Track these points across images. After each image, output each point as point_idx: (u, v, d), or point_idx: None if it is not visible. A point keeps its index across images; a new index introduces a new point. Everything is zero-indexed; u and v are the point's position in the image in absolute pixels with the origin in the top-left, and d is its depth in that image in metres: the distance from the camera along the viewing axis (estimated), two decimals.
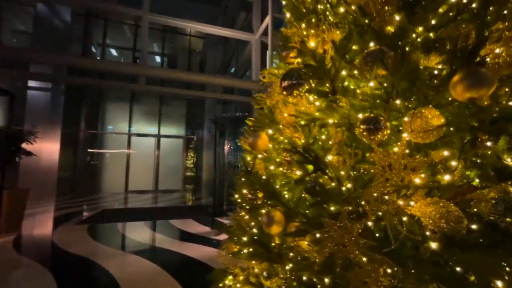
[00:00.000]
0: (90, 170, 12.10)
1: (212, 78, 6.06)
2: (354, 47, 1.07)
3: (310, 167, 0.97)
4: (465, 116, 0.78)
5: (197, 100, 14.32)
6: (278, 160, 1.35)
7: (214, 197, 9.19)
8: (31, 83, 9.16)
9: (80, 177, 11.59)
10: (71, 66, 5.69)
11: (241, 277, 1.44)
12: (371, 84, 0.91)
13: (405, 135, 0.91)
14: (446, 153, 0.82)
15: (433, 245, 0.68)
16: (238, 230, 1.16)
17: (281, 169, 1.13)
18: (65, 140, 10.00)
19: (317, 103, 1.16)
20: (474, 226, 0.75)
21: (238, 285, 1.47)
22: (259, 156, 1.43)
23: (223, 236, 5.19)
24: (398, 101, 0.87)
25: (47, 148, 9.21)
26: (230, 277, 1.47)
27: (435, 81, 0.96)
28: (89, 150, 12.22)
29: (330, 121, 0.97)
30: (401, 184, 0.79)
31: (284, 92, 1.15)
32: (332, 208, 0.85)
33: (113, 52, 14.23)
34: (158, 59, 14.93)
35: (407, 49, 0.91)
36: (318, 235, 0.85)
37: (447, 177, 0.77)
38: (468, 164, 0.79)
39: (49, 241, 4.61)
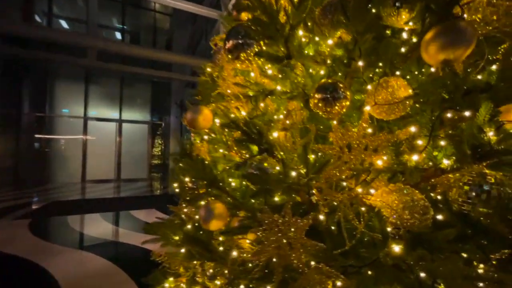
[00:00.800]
0: (38, 158, 10.76)
1: (174, 56, 5.53)
2: None
3: (255, 148, 0.77)
4: (436, 86, 0.64)
5: (163, 82, 13.34)
6: (229, 143, 1.14)
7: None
8: None
9: (25, 166, 10.26)
10: (6, 33, 4.74)
11: (185, 278, 1.24)
12: (330, 41, 0.72)
13: (367, 108, 0.75)
14: (413, 129, 0.67)
15: (396, 247, 0.53)
16: (168, 228, 0.93)
17: (221, 150, 0.92)
18: (1, 124, 8.66)
19: (270, 71, 0.95)
20: (440, 217, 0.63)
21: (183, 285, 1.26)
22: (205, 137, 1.19)
23: None
24: (361, 63, 0.69)
25: None
26: (171, 278, 1.25)
27: (403, 48, 0.79)
28: (36, 135, 10.80)
29: (279, 87, 0.76)
30: (360, 168, 0.63)
31: (230, 56, 0.92)
32: (276, 199, 0.66)
33: (64, 24, 12.46)
34: (118, 35, 13.47)
35: None
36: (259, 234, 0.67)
37: (414, 158, 0.62)
38: (437, 143, 0.66)
39: None
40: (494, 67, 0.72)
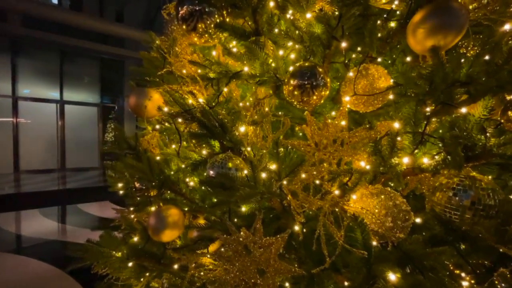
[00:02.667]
0: None
1: (127, 30, 4.85)
2: None
3: (217, 144, 0.62)
4: (425, 77, 0.57)
5: (115, 60, 11.84)
6: (185, 132, 0.95)
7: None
8: None
9: None
10: None
11: None
12: (308, 15, 0.59)
13: (347, 99, 0.66)
14: (396, 125, 0.60)
15: (392, 276, 0.45)
16: (107, 246, 0.75)
17: (173, 146, 0.75)
18: None
19: (235, 50, 0.79)
20: (418, 220, 0.58)
21: None
22: (157, 126, 0.99)
23: None
24: (344, 43, 0.58)
25: None
26: None
27: (384, 30, 0.71)
28: None
29: (246, 69, 0.62)
30: (340, 170, 0.54)
31: (184, 26, 0.73)
32: (243, 209, 0.54)
33: None
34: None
35: None
36: (222, 250, 0.54)
37: (405, 160, 0.55)
38: (418, 139, 0.60)
39: None
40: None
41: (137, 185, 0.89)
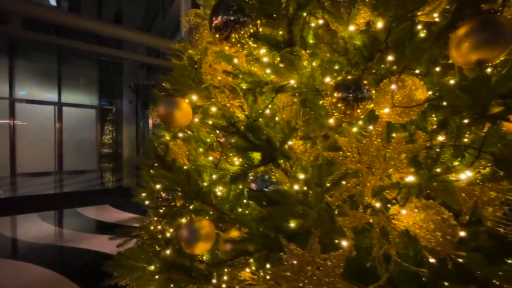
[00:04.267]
0: None
1: (130, 33, 4.83)
2: None
3: (256, 156, 0.62)
4: (467, 91, 0.56)
5: (113, 62, 11.77)
6: (209, 141, 0.94)
7: (138, 177, 7.97)
8: None
9: None
10: None
11: None
12: (351, 28, 0.59)
13: (386, 110, 0.66)
14: (441, 138, 0.60)
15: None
16: (139, 255, 0.73)
17: (211, 158, 0.74)
18: None
19: (266, 58, 0.78)
20: (463, 233, 0.58)
21: None
22: (180, 135, 0.98)
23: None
24: (391, 57, 0.58)
25: None
26: None
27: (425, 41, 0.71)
28: None
29: (292, 81, 0.61)
30: (388, 184, 0.53)
31: (217, 35, 0.72)
32: (292, 225, 0.53)
33: None
34: (52, 1, 11.28)
35: None
36: (268, 266, 0.53)
37: (463, 176, 0.55)
38: (460, 152, 0.60)
39: None
40: None
41: (163, 195, 0.88)
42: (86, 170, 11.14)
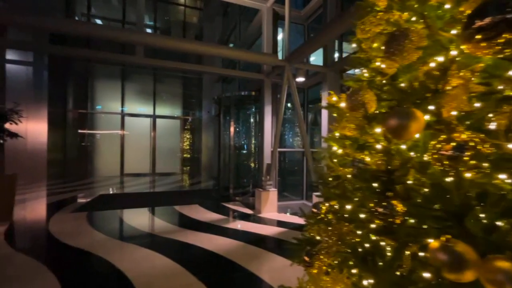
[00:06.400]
0: (81, 153, 11.37)
1: (219, 49, 5.34)
2: None
3: None
4: None
5: (194, 78, 13.40)
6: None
7: (218, 182, 8.67)
8: (10, 55, 8.11)
9: (71, 160, 10.88)
10: (54, 30, 4.82)
11: None
12: None
13: None
14: None
15: None
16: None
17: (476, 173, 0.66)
18: (52, 121, 9.18)
19: None
20: None
21: None
22: (378, 146, 0.95)
23: (233, 224, 4.75)
24: None
25: (33, 129, 8.39)
26: None
27: None
28: (79, 131, 11.39)
29: None
30: None
31: (477, 36, 0.66)
32: None
33: (100, 23, 12.89)
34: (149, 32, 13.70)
35: None
36: None
37: None
38: None
39: (45, 232, 4.11)
40: None
41: (379, 210, 0.85)
42: (172, 173, 12.86)
